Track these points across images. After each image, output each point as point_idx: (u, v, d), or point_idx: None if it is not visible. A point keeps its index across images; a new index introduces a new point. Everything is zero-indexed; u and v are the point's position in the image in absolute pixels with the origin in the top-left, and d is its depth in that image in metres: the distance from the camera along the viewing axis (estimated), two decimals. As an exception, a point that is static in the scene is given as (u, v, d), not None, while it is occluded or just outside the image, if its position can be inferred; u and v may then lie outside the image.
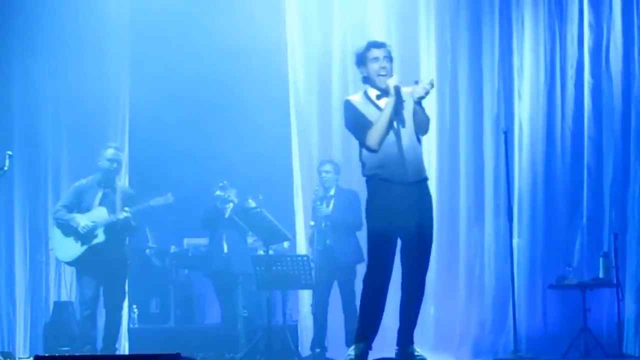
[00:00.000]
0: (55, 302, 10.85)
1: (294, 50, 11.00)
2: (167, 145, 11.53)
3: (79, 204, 9.64)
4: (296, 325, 10.58)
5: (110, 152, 9.66)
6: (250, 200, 9.96)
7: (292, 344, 9.86)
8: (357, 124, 7.19)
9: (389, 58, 7.28)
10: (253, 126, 11.55)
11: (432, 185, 10.41)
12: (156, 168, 11.47)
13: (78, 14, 11.27)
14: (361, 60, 7.31)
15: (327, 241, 9.77)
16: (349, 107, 7.27)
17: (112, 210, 9.55)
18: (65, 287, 11.04)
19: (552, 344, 9.76)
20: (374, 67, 7.23)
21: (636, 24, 10.04)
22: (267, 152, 11.38)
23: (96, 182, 9.67)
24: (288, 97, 10.97)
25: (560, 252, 10.05)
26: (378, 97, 7.21)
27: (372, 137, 7.08)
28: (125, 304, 10.77)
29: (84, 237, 9.51)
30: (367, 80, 7.32)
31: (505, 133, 9.61)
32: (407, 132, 7.15)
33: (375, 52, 7.25)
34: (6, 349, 10.69)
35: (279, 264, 9.78)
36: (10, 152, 9.57)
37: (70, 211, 9.60)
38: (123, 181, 10.73)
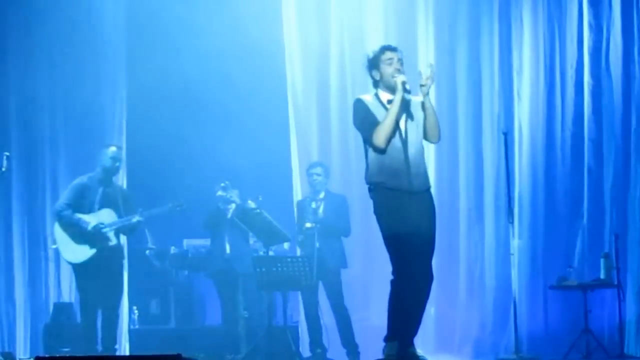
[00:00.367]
0: (55, 303, 10.85)
1: (292, 50, 10.98)
2: (165, 146, 11.49)
3: (81, 202, 9.61)
4: (297, 326, 10.57)
5: (112, 149, 9.66)
6: (249, 202, 9.96)
7: (292, 344, 9.87)
8: (365, 122, 7.21)
9: (401, 62, 7.30)
10: (252, 127, 11.53)
11: (432, 186, 10.40)
12: (154, 169, 11.45)
13: (75, 16, 11.25)
14: (374, 63, 7.33)
15: (317, 244, 9.76)
16: (359, 105, 7.29)
17: (116, 210, 9.54)
18: (66, 288, 11.03)
19: (553, 345, 9.78)
20: (388, 69, 7.26)
21: (636, 24, 10.02)
22: (266, 153, 11.36)
23: (97, 180, 9.64)
24: (286, 97, 10.95)
25: (561, 252, 10.07)
26: (389, 102, 7.21)
27: (379, 135, 7.10)
28: (126, 304, 10.81)
29: (95, 239, 9.48)
30: (377, 84, 7.33)
31: (505, 134, 9.61)
32: (414, 142, 7.19)
33: (390, 55, 7.29)
34: (6, 350, 10.66)
35: (279, 264, 9.78)
36: (7, 153, 9.55)
37: (73, 209, 9.56)
38: (121, 182, 10.73)
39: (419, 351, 7.30)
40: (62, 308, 10.68)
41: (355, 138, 10.10)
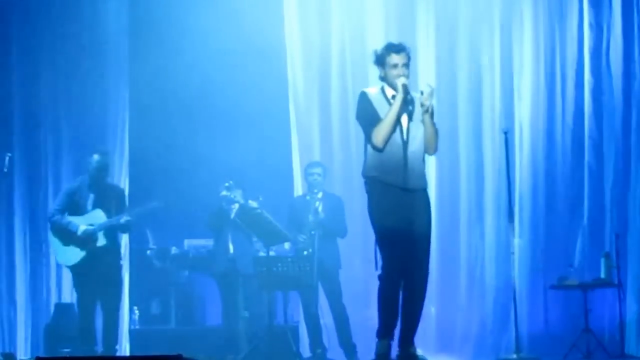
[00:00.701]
0: (56, 304, 10.84)
1: (293, 50, 10.98)
2: (167, 147, 11.50)
3: (73, 206, 9.63)
4: (297, 326, 10.56)
5: (95, 158, 9.64)
6: (250, 202, 9.96)
7: (293, 345, 9.86)
8: (367, 117, 7.23)
9: (407, 64, 7.31)
10: (253, 127, 11.53)
11: (433, 186, 10.47)
12: (156, 169, 11.44)
13: (78, 18, 11.28)
14: (380, 61, 7.35)
15: (315, 244, 9.76)
16: (363, 99, 7.32)
17: (107, 211, 9.55)
18: (67, 289, 11.02)
19: (554, 345, 9.76)
20: (392, 72, 7.26)
21: (636, 24, 10.05)
22: (267, 153, 11.36)
23: (86, 185, 9.68)
24: (287, 97, 10.95)
25: (562, 252, 10.07)
26: (394, 97, 7.23)
27: (377, 134, 7.13)
28: (126, 305, 10.80)
29: (84, 240, 9.49)
30: (383, 80, 7.34)
31: (506, 133, 9.60)
32: (416, 140, 7.19)
33: (395, 59, 7.29)
34: (7, 350, 10.66)
35: (280, 264, 9.77)
36: (9, 155, 9.56)
37: (67, 213, 9.59)
38: (123, 183, 10.72)
39: (419, 351, 7.31)
40: (63, 309, 10.67)
41: (356, 138, 10.12)
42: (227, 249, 10.41)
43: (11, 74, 11.31)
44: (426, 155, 10.08)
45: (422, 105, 7.14)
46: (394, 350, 7.29)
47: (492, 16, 10.48)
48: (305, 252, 9.92)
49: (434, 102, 7.24)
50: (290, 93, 10.96)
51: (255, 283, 9.95)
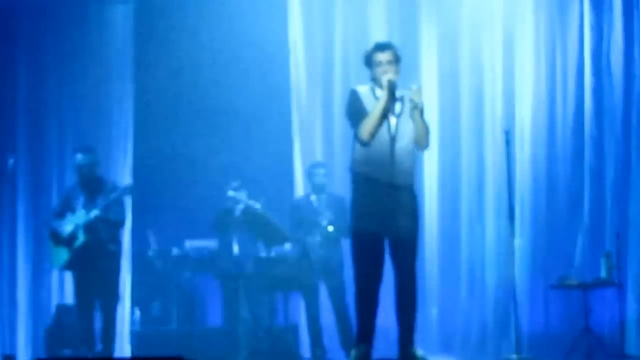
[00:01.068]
0: (57, 305, 10.82)
1: (296, 52, 11.01)
2: (170, 147, 11.52)
3: (68, 208, 9.63)
4: (297, 327, 10.55)
5: (78, 157, 9.61)
6: (251, 202, 9.97)
7: (293, 345, 9.85)
8: (355, 113, 7.24)
9: (394, 61, 7.30)
10: (254, 128, 11.56)
11: (434, 185, 10.50)
12: (159, 170, 11.45)
13: (83, 19, 11.33)
14: (367, 61, 7.37)
15: (323, 245, 9.76)
16: (352, 96, 7.33)
17: (90, 209, 9.52)
18: (68, 290, 11.02)
19: (554, 345, 9.74)
20: (377, 70, 7.28)
21: (636, 24, 10.06)
22: (268, 153, 11.38)
23: (77, 186, 9.69)
24: (290, 97, 10.97)
25: (562, 252, 10.05)
26: None
27: (363, 128, 7.13)
28: (127, 306, 10.80)
29: (67, 241, 9.48)
30: (373, 80, 7.36)
31: (507, 133, 9.60)
32: (404, 137, 7.18)
33: (380, 57, 7.29)
34: (8, 352, 10.66)
35: (280, 265, 9.77)
36: (13, 157, 9.58)
37: (61, 217, 9.59)
38: (126, 183, 10.73)
39: (420, 351, 7.28)
40: (64, 310, 10.63)
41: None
42: (232, 249, 10.42)
43: (16, 77, 11.35)
44: (428, 154, 10.30)
45: (411, 101, 7.15)
46: (393, 351, 7.30)
47: (493, 17, 10.51)
48: (313, 253, 9.95)
49: (422, 99, 7.20)
50: (293, 94, 10.98)
51: (257, 284, 9.94)
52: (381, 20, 10.80)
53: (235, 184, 10.13)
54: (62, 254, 9.52)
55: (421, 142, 7.25)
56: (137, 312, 11.23)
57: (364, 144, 7.14)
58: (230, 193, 10.13)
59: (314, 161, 10.47)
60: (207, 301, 11.66)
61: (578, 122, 10.20)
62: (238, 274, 10.31)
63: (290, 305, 10.37)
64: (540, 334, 10.00)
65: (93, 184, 9.60)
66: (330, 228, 9.82)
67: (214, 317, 11.47)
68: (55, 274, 11.09)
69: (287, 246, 10.63)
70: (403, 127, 7.19)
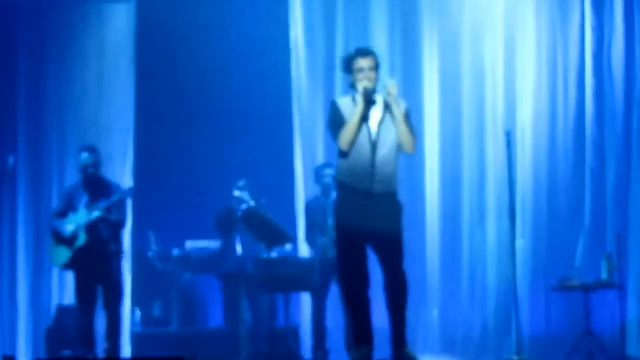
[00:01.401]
0: (58, 306, 10.82)
1: (298, 53, 11.00)
2: (170, 148, 11.53)
3: (71, 208, 9.60)
4: (298, 328, 10.55)
5: (84, 156, 9.58)
6: (252, 202, 9.96)
7: (293, 347, 9.84)
8: (335, 125, 7.26)
9: (375, 67, 7.28)
10: (255, 128, 11.57)
11: (435, 186, 10.49)
12: (159, 171, 11.46)
13: (84, 17, 11.34)
14: (347, 67, 7.35)
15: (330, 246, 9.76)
16: (331, 107, 7.36)
17: (92, 209, 9.49)
18: (68, 291, 11.02)
19: (555, 346, 9.75)
20: (357, 76, 7.25)
21: (637, 26, 10.07)
22: (269, 154, 11.38)
23: (80, 185, 9.65)
24: (291, 98, 10.97)
25: (563, 253, 10.05)
26: None
27: (341, 137, 7.15)
28: (127, 306, 10.78)
29: (68, 240, 9.45)
30: (352, 86, 7.34)
31: (508, 134, 9.60)
32: (387, 143, 7.18)
33: (361, 62, 7.27)
34: (8, 353, 10.65)
35: (281, 265, 9.77)
36: (13, 156, 9.56)
37: (62, 216, 9.56)
38: (127, 183, 10.72)
39: (412, 352, 7.26)
40: (64, 311, 10.63)
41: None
42: (235, 250, 10.41)
43: (17, 76, 11.36)
44: (430, 156, 10.30)
45: (388, 94, 7.14)
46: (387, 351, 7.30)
47: (494, 19, 10.50)
48: (323, 255, 9.95)
49: (395, 92, 7.16)
50: (294, 94, 10.97)
51: (259, 285, 9.94)
52: (382, 21, 10.79)
53: (240, 183, 10.12)
54: (63, 253, 9.49)
55: (406, 145, 7.22)
56: (138, 313, 11.23)
57: (344, 153, 7.16)
58: (236, 193, 10.12)
59: (322, 162, 10.47)
60: (208, 302, 11.66)
61: (579, 123, 10.20)
62: (240, 274, 10.31)
63: (291, 307, 10.36)
64: (541, 335, 10.00)
65: (96, 184, 9.56)
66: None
67: (215, 317, 11.48)
68: (55, 274, 11.09)
69: (288, 247, 10.67)
70: (385, 134, 7.19)
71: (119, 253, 9.63)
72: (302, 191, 10.76)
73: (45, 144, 11.38)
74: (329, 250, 9.74)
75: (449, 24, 10.65)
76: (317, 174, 10.14)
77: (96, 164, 9.57)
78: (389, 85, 7.19)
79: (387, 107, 7.22)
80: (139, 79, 11.30)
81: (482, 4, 10.57)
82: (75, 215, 9.46)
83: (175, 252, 11.37)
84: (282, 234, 9.86)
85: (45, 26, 11.42)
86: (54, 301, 11.06)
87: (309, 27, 11.00)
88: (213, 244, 10.91)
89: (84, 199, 9.52)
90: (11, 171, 9.62)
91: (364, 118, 7.13)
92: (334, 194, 9.89)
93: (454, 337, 10.27)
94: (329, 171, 10.01)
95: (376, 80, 7.24)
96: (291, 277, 9.69)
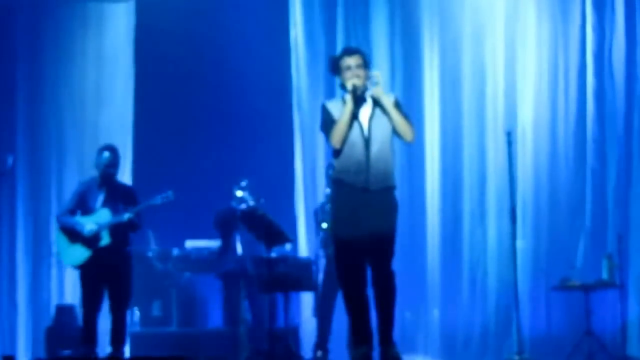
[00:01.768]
0: (57, 306, 10.80)
1: (298, 54, 11.00)
2: (170, 146, 11.53)
3: (83, 207, 9.53)
4: (298, 329, 10.54)
5: (105, 155, 9.53)
6: (252, 202, 9.95)
7: (293, 347, 9.83)
8: (327, 127, 7.26)
9: (363, 65, 7.26)
10: (255, 127, 11.57)
11: (436, 187, 10.49)
12: (159, 170, 11.44)
13: (83, 18, 11.35)
14: (335, 67, 7.35)
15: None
16: (323, 110, 7.36)
17: (114, 210, 9.42)
18: (68, 291, 11.01)
19: (556, 346, 9.75)
20: (346, 75, 7.25)
21: (639, 26, 10.07)
22: (269, 154, 11.37)
23: (96, 184, 9.58)
24: (291, 97, 10.96)
25: (564, 253, 10.05)
26: None
27: (333, 134, 7.16)
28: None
29: (90, 240, 9.37)
30: (343, 86, 7.32)
31: (509, 134, 9.59)
32: (378, 139, 7.16)
33: (348, 61, 7.26)
34: (8, 353, 10.63)
35: (281, 266, 9.76)
36: (13, 155, 9.54)
37: (75, 214, 9.49)
38: (127, 183, 10.72)
39: (398, 351, 7.24)
40: (64, 310, 10.64)
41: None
42: (235, 249, 10.40)
43: (16, 74, 11.36)
44: (431, 155, 10.29)
45: (376, 84, 7.14)
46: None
47: (495, 18, 10.52)
48: (307, 256, 9.92)
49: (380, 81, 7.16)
50: (294, 95, 10.98)
51: (259, 284, 9.93)
52: (383, 21, 10.81)
53: (243, 183, 10.11)
54: (81, 253, 9.36)
55: (404, 134, 7.20)
56: (137, 313, 11.21)
57: (338, 151, 7.17)
58: (239, 193, 10.11)
59: (315, 164, 10.46)
60: (208, 302, 11.65)
61: (580, 123, 10.21)
62: (240, 274, 10.30)
63: (291, 307, 10.34)
64: (541, 335, 10.00)
65: (113, 185, 9.52)
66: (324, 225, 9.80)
67: (215, 317, 11.47)
68: (55, 274, 11.09)
69: (288, 247, 10.66)
70: (376, 130, 7.17)
71: (130, 255, 9.60)
72: (302, 191, 10.77)
73: (44, 144, 11.38)
74: (323, 246, 9.76)
75: (450, 24, 10.68)
76: (328, 173, 10.10)
77: (116, 164, 9.53)
78: (374, 75, 7.19)
79: (376, 103, 7.20)
80: (138, 79, 11.32)
81: (483, 4, 10.59)
82: (96, 214, 9.38)
83: (175, 252, 11.36)
84: (282, 234, 9.85)
85: (45, 26, 11.44)
86: (54, 301, 11.06)
87: (309, 27, 11.01)
88: (213, 243, 10.90)
89: (99, 199, 9.45)
90: (11, 171, 9.56)
91: (355, 116, 7.13)
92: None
93: (454, 337, 10.27)
94: None
95: (365, 78, 7.21)
96: (291, 277, 9.68)
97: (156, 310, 11.46)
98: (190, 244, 11.37)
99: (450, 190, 10.50)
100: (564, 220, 10.16)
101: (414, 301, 10.27)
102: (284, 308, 10.07)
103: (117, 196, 9.45)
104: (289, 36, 11.03)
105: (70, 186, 10.89)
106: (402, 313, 9.96)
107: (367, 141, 7.13)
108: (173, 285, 11.42)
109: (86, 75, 11.29)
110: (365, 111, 7.21)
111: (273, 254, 10.08)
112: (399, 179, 7.46)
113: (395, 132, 7.19)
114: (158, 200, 9.49)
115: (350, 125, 7.11)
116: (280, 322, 10.13)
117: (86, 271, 9.40)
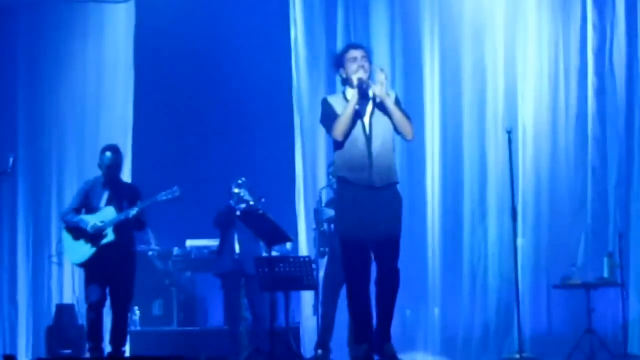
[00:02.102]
0: (57, 305, 10.80)
1: (298, 54, 11.00)
2: (170, 146, 11.55)
3: (88, 206, 9.52)
4: (299, 328, 10.54)
5: (108, 155, 9.53)
6: (252, 202, 9.96)
7: (294, 346, 9.83)
8: (328, 118, 7.24)
9: (368, 59, 7.28)
10: (255, 127, 11.58)
11: (436, 185, 10.49)
12: (159, 170, 11.45)
13: (83, 19, 11.35)
14: (340, 62, 7.36)
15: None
16: (324, 104, 7.35)
17: (119, 208, 9.41)
18: (68, 290, 11.00)
19: (557, 345, 9.72)
20: (352, 67, 7.25)
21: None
22: (270, 155, 11.38)
23: (100, 183, 9.57)
24: (291, 97, 10.97)
25: (565, 252, 10.03)
26: None
27: (336, 127, 7.12)
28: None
29: (94, 237, 9.35)
30: (345, 82, 7.35)
31: (509, 133, 9.59)
32: (380, 136, 7.16)
33: (354, 53, 7.29)
34: (8, 352, 10.64)
35: (282, 265, 9.75)
36: (14, 155, 9.53)
37: (80, 213, 9.47)
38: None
39: (394, 349, 7.24)
40: (64, 309, 10.64)
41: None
42: (234, 249, 10.39)
43: (16, 76, 11.37)
44: (431, 155, 10.29)
45: (380, 83, 7.13)
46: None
47: (496, 17, 10.51)
48: (307, 255, 9.91)
49: (386, 82, 7.15)
50: (294, 94, 10.97)
51: (259, 284, 9.92)
52: (383, 20, 10.81)
53: (240, 181, 10.11)
54: (85, 250, 9.35)
55: (404, 132, 7.21)
56: (138, 312, 11.20)
57: (339, 144, 7.15)
58: (235, 190, 10.11)
59: (316, 164, 10.45)
60: (208, 301, 11.66)
61: (581, 122, 10.19)
62: (240, 274, 10.29)
63: (291, 306, 10.35)
64: (542, 334, 9.98)
65: (117, 184, 9.51)
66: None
67: (215, 317, 11.47)
68: (55, 274, 11.09)
69: (289, 246, 10.66)
70: (377, 127, 7.17)
71: (135, 254, 9.57)
72: (302, 191, 10.75)
73: (45, 145, 11.39)
74: (315, 245, 9.77)
75: (450, 22, 10.66)
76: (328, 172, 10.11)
77: (119, 164, 9.53)
78: (379, 74, 7.18)
79: (376, 101, 7.20)
80: (138, 80, 11.32)
81: (483, 2, 10.58)
82: (101, 212, 9.37)
83: (176, 251, 11.37)
84: (282, 234, 9.85)
85: (45, 28, 11.45)
86: (54, 300, 11.06)
87: (309, 27, 11.00)
88: (213, 243, 10.89)
89: (104, 197, 9.44)
90: (11, 171, 9.55)
91: (358, 111, 7.12)
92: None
93: (455, 336, 10.25)
94: None
95: (370, 72, 7.22)
96: (292, 275, 9.67)
97: (157, 309, 11.49)
98: (190, 243, 11.39)
99: (451, 188, 10.49)
100: (565, 218, 10.14)
101: (415, 299, 10.25)
102: (285, 307, 10.09)
103: (122, 194, 9.44)
104: (289, 36, 11.01)
105: (71, 186, 10.93)
106: (402, 311, 9.97)
107: (368, 138, 7.12)
108: (174, 285, 11.45)
109: (86, 76, 11.30)
110: (367, 108, 7.21)
111: (273, 254, 10.10)
112: (399, 178, 7.43)
113: (395, 129, 7.19)
114: (164, 196, 9.47)
115: (354, 120, 7.11)
116: (281, 321, 10.14)
117: (91, 270, 9.37)
